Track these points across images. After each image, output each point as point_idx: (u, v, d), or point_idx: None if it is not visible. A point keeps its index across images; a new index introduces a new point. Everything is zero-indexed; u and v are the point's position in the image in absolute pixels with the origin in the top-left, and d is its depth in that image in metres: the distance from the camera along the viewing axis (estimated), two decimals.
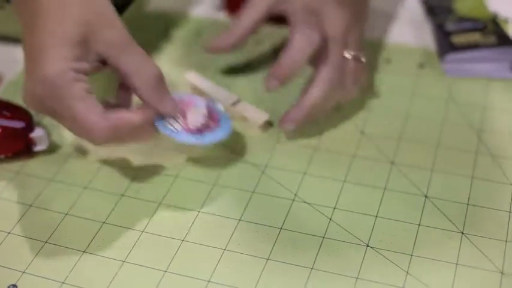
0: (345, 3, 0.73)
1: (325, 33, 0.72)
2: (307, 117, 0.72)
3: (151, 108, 0.65)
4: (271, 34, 0.88)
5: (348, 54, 0.73)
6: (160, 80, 0.65)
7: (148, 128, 0.66)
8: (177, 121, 0.68)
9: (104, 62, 0.65)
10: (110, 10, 0.65)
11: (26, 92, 0.64)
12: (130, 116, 0.64)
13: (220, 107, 0.72)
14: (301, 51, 0.72)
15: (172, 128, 0.67)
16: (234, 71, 0.84)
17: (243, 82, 0.82)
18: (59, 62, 0.61)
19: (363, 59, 0.74)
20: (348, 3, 0.74)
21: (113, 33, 0.64)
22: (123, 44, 0.64)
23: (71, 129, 0.64)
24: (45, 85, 0.61)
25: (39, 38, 0.62)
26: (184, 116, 0.68)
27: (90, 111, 0.62)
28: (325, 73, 0.72)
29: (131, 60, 0.64)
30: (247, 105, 0.77)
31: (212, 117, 0.70)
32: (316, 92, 0.72)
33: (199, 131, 0.68)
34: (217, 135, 0.69)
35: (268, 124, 0.76)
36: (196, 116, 0.69)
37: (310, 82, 0.72)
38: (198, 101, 0.70)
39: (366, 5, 0.78)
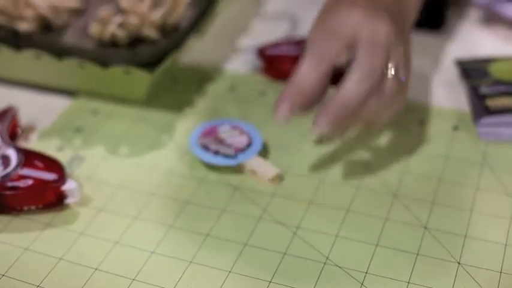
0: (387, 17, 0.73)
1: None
2: (340, 119, 0.71)
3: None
4: None
5: (388, 65, 0.72)
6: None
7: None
8: (224, 147, 0.76)
9: None
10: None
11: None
12: None
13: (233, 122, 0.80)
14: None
15: (226, 152, 0.76)
16: (266, 124, 0.84)
17: (275, 134, 0.82)
18: None
19: (402, 77, 0.73)
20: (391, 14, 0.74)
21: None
22: None
23: None
24: None
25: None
26: (221, 142, 0.77)
27: None
28: (356, 73, 0.71)
29: None
30: (258, 160, 0.77)
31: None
32: (346, 91, 0.70)
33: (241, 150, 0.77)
34: (258, 143, 0.78)
35: (279, 178, 0.76)
36: (235, 137, 0.77)
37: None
38: (220, 125, 0.79)
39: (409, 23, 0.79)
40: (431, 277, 0.66)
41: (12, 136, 0.81)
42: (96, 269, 0.68)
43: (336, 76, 0.86)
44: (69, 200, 0.73)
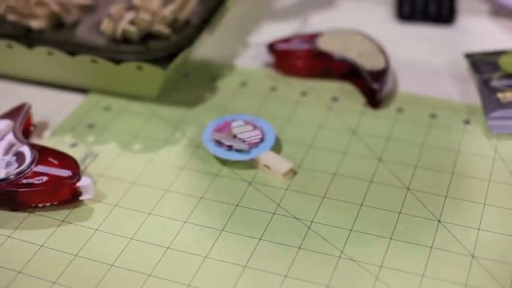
0: None
1: None
2: None
3: None
4: (316, 87, 0.89)
5: None
6: None
7: None
8: (238, 142, 0.77)
9: None
10: None
11: None
12: None
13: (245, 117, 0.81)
14: None
15: (240, 147, 0.76)
16: (278, 119, 0.84)
17: (286, 129, 0.83)
18: None
19: None
20: None
21: None
22: None
23: None
24: None
25: None
26: (234, 137, 0.77)
27: None
28: None
29: None
30: (271, 154, 0.77)
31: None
32: None
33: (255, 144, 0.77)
34: (271, 138, 0.78)
35: (292, 172, 0.76)
36: (249, 132, 0.78)
37: None
38: (233, 121, 0.79)
39: None
40: (447, 271, 0.66)
41: (26, 133, 0.81)
42: (111, 265, 0.68)
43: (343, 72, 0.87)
44: (83, 197, 0.73)
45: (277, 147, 0.80)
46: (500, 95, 0.83)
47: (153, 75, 0.84)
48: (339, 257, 0.68)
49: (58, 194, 0.73)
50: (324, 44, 0.90)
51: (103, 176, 0.77)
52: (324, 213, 0.72)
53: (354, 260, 0.67)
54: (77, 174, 0.73)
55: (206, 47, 0.97)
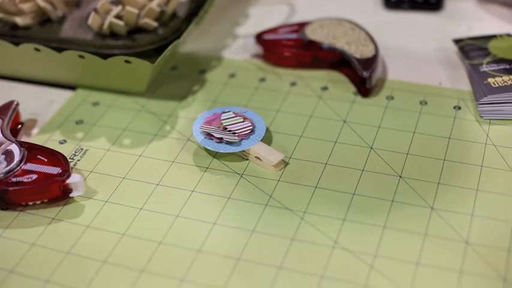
0: None
1: None
2: None
3: None
4: (305, 77, 0.88)
5: None
6: None
7: None
8: (228, 134, 0.76)
9: None
10: None
11: None
12: None
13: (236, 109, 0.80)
14: None
15: (231, 140, 0.76)
16: (268, 110, 0.84)
17: (277, 119, 0.82)
18: None
19: None
20: None
21: None
22: None
23: None
24: None
25: None
26: (225, 129, 0.77)
27: None
28: None
29: None
30: (262, 146, 0.76)
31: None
32: None
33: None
34: (261, 129, 0.77)
35: (283, 163, 0.76)
36: (239, 124, 0.77)
37: None
38: (223, 113, 0.79)
39: None
40: (441, 258, 0.65)
41: (14, 131, 0.81)
42: (104, 261, 0.67)
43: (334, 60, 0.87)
44: (74, 194, 0.73)
45: (268, 138, 0.79)
46: (490, 80, 0.82)
47: (142, 69, 0.84)
48: (333, 247, 0.67)
49: (48, 192, 0.72)
50: (312, 33, 0.90)
51: (93, 172, 0.77)
52: (316, 204, 0.72)
53: (348, 250, 0.67)
54: (66, 171, 0.72)
55: (194, 39, 0.97)
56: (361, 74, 0.84)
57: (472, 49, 0.88)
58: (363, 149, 0.77)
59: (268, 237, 0.69)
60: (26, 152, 0.74)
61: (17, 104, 0.82)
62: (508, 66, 0.84)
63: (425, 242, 0.67)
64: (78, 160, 0.78)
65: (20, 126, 0.82)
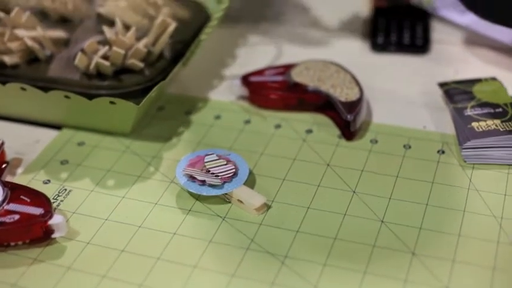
0: None
1: None
2: None
3: None
4: (290, 119, 0.89)
5: None
6: None
7: None
8: (211, 177, 0.76)
9: None
10: None
11: None
12: None
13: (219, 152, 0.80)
14: None
15: (213, 182, 0.76)
16: (252, 152, 0.84)
17: (261, 162, 0.83)
18: None
19: None
20: None
21: None
22: None
23: None
24: None
25: None
26: (207, 172, 0.77)
27: None
28: None
29: None
30: (244, 189, 0.77)
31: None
32: None
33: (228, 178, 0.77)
34: (244, 172, 0.78)
35: (266, 207, 0.76)
36: (222, 167, 0.77)
37: None
38: (206, 155, 0.79)
39: None
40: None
41: None
42: None
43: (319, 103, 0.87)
44: (56, 235, 0.73)
45: (251, 181, 0.79)
46: (474, 124, 0.83)
47: (127, 110, 0.84)
48: None
49: (30, 233, 0.73)
50: (297, 76, 0.90)
51: (76, 213, 0.77)
52: (297, 248, 0.72)
53: None
54: (48, 212, 0.72)
55: (181, 81, 0.97)
56: (345, 117, 0.85)
57: (456, 93, 0.89)
58: (345, 193, 0.78)
59: (248, 282, 0.68)
60: (9, 192, 0.74)
61: (3, 143, 0.82)
62: (492, 111, 0.84)
63: (406, 287, 0.67)
64: (62, 201, 0.78)
65: (4, 165, 0.82)
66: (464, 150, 0.81)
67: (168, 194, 0.79)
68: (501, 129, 0.81)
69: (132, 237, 0.74)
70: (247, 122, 0.89)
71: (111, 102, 0.83)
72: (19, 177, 0.82)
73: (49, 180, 0.81)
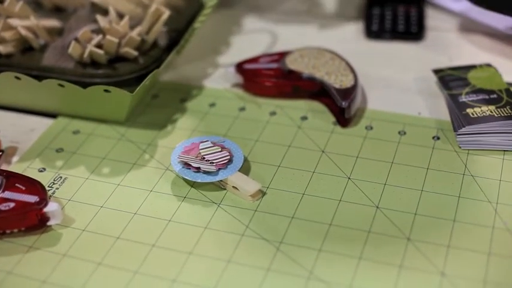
0: None
1: None
2: None
3: None
4: (285, 106, 0.88)
5: None
6: None
7: None
8: (206, 164, 0.76)
9: None
10: None
11: None
12: None
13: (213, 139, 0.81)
14: None
15: (208, 169, 0.76)
16: (247, 139, 0.84)
17: (256, 149, 0.83)
18: None
19: None
20: None
21: None
22: None
23: None
24: None
25: None
26: (202, 159, 0.77)
27: None
28: None
29: None
30: (239, 176, 0.77)
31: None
32: None
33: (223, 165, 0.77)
34: (239, 159, 0.78)
35: (261, 193, 0.76)
36: (217, 154, 0.77)
37: None
38: (201, 142, 0.79)
39: None
40: None
41: None
42: None
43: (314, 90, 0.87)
44: (51, 222, 0.73)
45: (246, 168, 0.79)
46: (469, 110, 0.83)
47: (121, 99, 0.84)
48: (308, 278, 0.67)
49: (25, 220, 0.73)
50: (292, 63, 0.90)
51: (71, 201, 0.77)
52: (293, 234, 0.72)
53: (323, 281, 0.67)
54: (44, 199, 0.72)
55: (175, 68, 0.97)
56: (340, 104, 0.85)
57: (451, 79, 0.89)
58: (340, 179, 0.78)
59: (244, 268, 0.69)
60: (4, 180, 0.74)
61: None
62: (486, 97, 0.84)
63: (401, 273, 0.67)
64: (57, 188, 0.78)
65: (0, 153, 0.82)
66: (459, 136, 0.81)
67: (163, 181, 0.79)
68: (496, 115, 0.81)
69: (127, 224, 0.74)
70: (242, 109, 0.89)
71: (106, 91, 0.83)
72: (14, 166, 0.82)
73: (44, 168, 0.81)
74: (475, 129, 0.81)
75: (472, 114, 0.82)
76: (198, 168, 0.76)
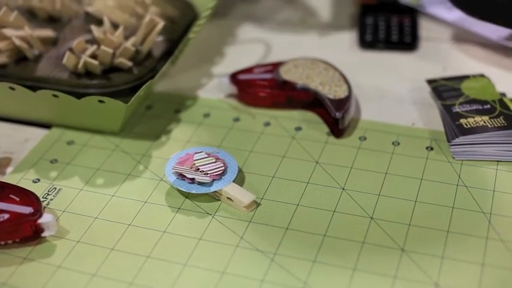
0: None
1: None
2: None
3: None
4: (279, 117, 0.89)
5: None
6: None
7: None
8: (200, 175, 0.76)
9: None
10: None
11: None
12: None
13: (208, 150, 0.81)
14: None
15: (203, 180, 0.76)
16: (241, 150, 0.84)
17: (250, 160, 0.83)
18: None
19: None
20: None
21: None
22: None
23: None
24: None
25: None
26: (197, 170, 0.77)
27: None
28: None
29: None
30: (234, 187, 0.77)
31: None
32: None
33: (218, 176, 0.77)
34: (233, 170, 0.78)
35: (255, 204, 0.76)
36: (211, 165, 0.77)
37: None
38: (195, 153, 0.79)
39: None
40: None
41: None
42: None
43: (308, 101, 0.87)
44: (46, 233, 0.73)
45: (240, 179, 0.79)
46: (462, 121, 0.83)
47: (115, 109, 0.84)
48: None
49: (20, 231, 0.73)
50: (286, 74, 0.90)
51: (66, 212, 0.77)
52: (287, 245, 0.72)
53: None
54: (38, 211, 0.72)
55: (169, 79, 0.97)
56: (334, 114, 0.85)
57: (445, 90, 0.89)
58: (334, 190, 0.78)
59: (238, 279, 0.69)
60: None
61: None
62: (480, 107, 0.84)
63: (395, 284, 0.67)
64: (51, 199, 0.78)
65: None
66: (452, 146, 0.82)
67: (157, 192, 0.79)
68: (489, 126, 0.82)
69: (121, 235, 0.74)
70: (236, 119, 0.89)
71: (100, 101, 0.83)
72: (8, 177, 0.82)
73: (38, 179, 0.81)
74: (468, 140, 0.81)
75: (466, 124, 0.82)
76: (193, 179, 0.76)
